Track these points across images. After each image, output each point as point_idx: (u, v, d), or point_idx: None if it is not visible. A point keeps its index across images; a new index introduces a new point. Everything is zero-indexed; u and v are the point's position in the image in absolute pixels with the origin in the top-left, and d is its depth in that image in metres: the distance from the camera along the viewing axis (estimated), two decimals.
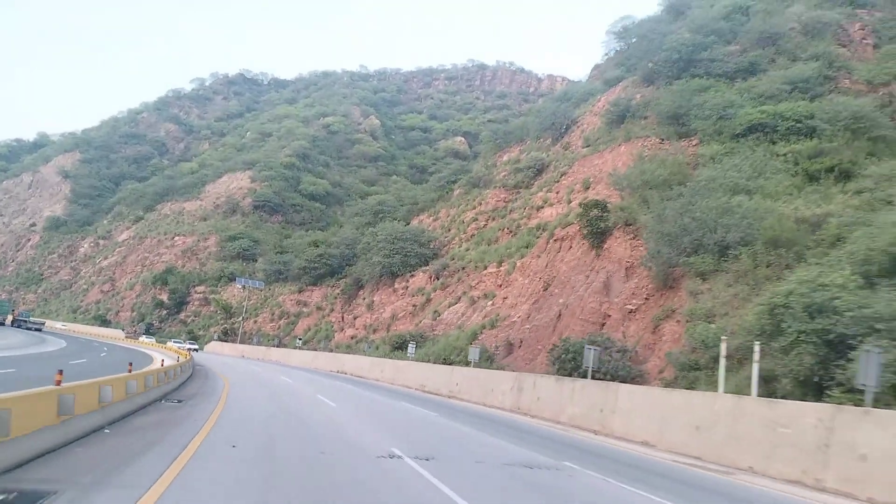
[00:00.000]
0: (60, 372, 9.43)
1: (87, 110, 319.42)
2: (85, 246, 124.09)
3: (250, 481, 7.97)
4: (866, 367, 12.38)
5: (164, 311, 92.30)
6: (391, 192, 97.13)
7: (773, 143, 40.54)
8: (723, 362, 17.04)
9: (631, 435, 17.46)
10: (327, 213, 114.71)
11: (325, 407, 19.28)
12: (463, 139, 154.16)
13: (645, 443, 16.78)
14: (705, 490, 11.07)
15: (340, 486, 8.38)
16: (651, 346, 26.67)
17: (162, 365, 20.81)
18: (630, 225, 33.08)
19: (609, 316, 30.31)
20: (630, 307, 28.90)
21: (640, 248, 31.25)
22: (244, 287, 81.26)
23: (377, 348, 49.25)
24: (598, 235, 34.65)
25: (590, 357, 23.40)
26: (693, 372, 21.20)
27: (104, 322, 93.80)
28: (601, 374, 24.53)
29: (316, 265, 76.89)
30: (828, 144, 38.01)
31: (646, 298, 28.59)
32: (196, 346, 61.34)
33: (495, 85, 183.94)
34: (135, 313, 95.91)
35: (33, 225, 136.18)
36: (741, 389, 16.74)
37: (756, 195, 31.60)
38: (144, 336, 72.02)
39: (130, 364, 15.48)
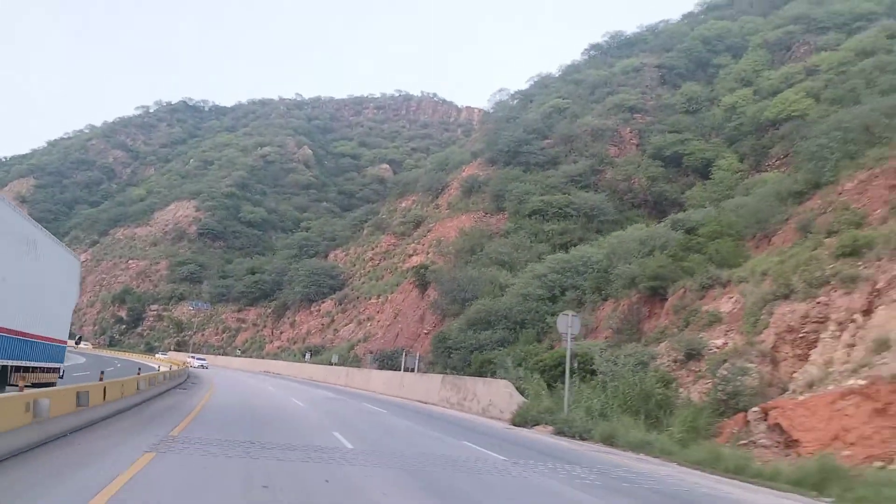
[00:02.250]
0: (102, 372, 32.51)
1: (35, 131, 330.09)
2: None
3: (237, 407, 31.19)
4: (414, 360, 36.55)
5: (124, 326, 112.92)
6: (314, 230, 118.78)
7: (546, 221, 65.61)
8: (410, 359, 41.13)
9: (396, 393, 41.36)
10: (263, 239, 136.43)
11: (269, 387, 42.49)
12: (388, 166, 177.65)
13: (398, 395, 40.60)
14: (402, 407, 34.73)
15: (275, 417, 31.61)
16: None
17: (170, 369, 43.59)
18: (437, 281, 57.36)
19: (419, 336, 54.51)
20: (426, 331, 53.12)
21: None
22: (194, 308, 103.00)
23: (294, 355, 72.56)
24: (422, 286, 58.88)
25: (403, 359, 47.32)
26: (433, 365, 45.36)
27: (70, 336, 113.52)
28: (408, 369, 48.45)
29: (252, 290, 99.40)
30: (572, 225, 63.35)
31: (434, 326, 52.80)
32: (205, 362, 63.33)
33: (419, 115, 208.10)
34: (97, 327, 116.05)
35: None
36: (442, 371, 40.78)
37: (506, 265, 56.11)
38: (160, 353, 79.56)
39: (146, 370, 38.41)
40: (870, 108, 36.13)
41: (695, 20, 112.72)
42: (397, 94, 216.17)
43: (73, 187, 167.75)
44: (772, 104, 70.39)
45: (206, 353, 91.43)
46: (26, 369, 15.02)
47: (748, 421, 18.96)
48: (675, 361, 25.59)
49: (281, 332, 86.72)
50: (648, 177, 70.86)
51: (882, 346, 18.37)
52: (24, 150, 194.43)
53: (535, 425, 21.41)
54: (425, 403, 31.90)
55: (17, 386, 10.86)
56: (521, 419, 21.93)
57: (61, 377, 19.67)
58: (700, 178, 69.12)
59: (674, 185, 69.33)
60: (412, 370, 42.50)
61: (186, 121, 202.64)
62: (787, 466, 15.45)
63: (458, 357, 37.51)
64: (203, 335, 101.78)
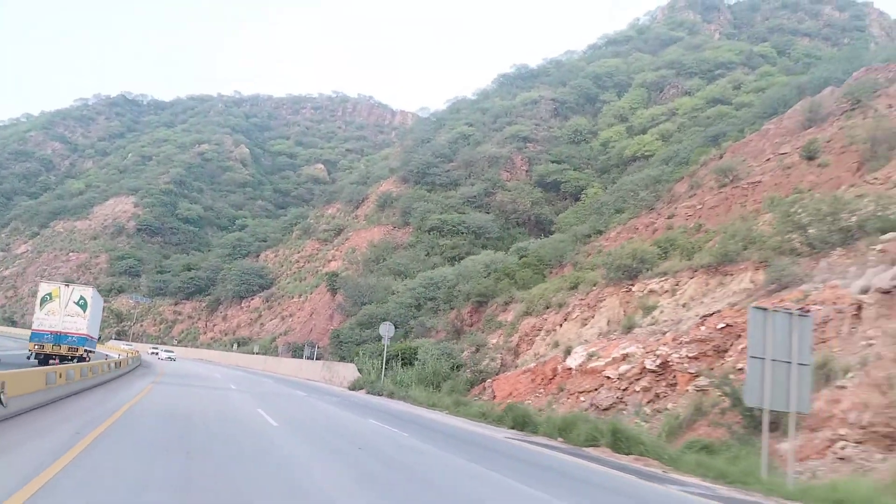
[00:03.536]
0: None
1: None
2: None
3: (176, 383, 44.29)
4: (313, 350, 50.44)
5: None
6: (248, 230, 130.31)
7: (442, 236, 79.98)
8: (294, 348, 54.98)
9: (295, 374, 54.95)
10: (200, 235, 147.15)
11: (202, 368, 55.43)
12: (323, 166, 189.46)
13: (296, 376, 54.18)
14: (294, 382, 48.30)
15: (207, 393, 44.82)
16: None
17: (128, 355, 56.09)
18: (343, 286, 71.07)
19: (328, 331, 68.15)
20: (333, 327, 66.82)
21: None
22: (133, 300, 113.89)
23: (225, 346, 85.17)
24: (333, 290, 72.53)
25: (305, 349, 60.82)
26: (332, 354, 59.18)
27: (13, 323, 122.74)
28: (309, 357, 62.00)
29: (188, 285, 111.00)
30: (462, 241, 77.85)
31: (339, 324, 66.51)
32: (173, 354, 65.10)
33: (355, 116, 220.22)
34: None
35: None
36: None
37: (401, 275, 70.13)
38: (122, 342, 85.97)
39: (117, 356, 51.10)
40: (637, 177, 51.57)
41: (597, 53, 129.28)
42: (334, 95, 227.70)
43: (12, 178, 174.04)
44: (632, 143, 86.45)
45: (144, 343, 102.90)
46: (89, 352, 28.74)
47: (484, 388, 33.62)
48: (471, 353, 40.10)
49: (214, 325, 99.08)
50: (532, 200, 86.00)
51: (554, 345, 33.11)
52: None
53: (360, 389, 35.75)
54: (311, 380, 45.92)
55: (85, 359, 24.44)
56: (354, 386, 36.27)
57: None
58: (574, 202, 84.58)
59: (550, 208, 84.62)
60: (311, 358, 56.28)
61: (125, 115, 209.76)
62: (492, 411, 29.85)
63: (346, 349, 51.37)
64: (142, 326, 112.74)
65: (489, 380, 33.53)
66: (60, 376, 15.86)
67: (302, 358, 58.15)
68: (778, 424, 17.46)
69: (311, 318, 74.54)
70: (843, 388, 17.31)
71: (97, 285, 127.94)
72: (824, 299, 20.93)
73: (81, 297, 28.19)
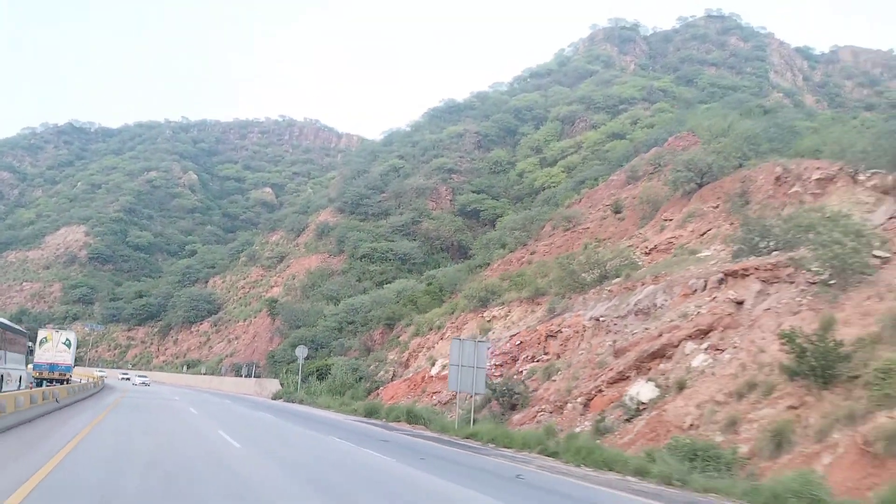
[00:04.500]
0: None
1: None
2: None
3: (135, 396, 53.91)
4: (251, 369, 60.64)
5: None
6: (198, 257, 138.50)
7: (372, 263, 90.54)
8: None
9: (234, 390, 64.83)
10: (150, 262, 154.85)
11: (154, 387, 64.85)
12: (270, 190, 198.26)
13: (235, 391, 64.11)
14: (232, 397, 58.24)
15: (156, 406, 54.53)
16: None
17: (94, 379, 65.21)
18: (281, 312, 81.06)
19: (267, 352, 78.08)
20: (272, 348, 76.78)
21: None
22: (88, 328, 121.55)
23: (176, 368, 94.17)
24: (272, 315, 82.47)
25: (243, 368, 70.68)
26: (268, 373, 69.26)
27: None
28: (247, 376, 71.83)
29: (140, 311, 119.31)
30: (389, 267, 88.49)
31: (277, 345, 76.43)
32: (147, 379, 68.54)
33: (302, 140, 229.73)
34: None
35: None
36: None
37: (332, 300, 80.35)
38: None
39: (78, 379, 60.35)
40: (516, 217, 63.16)
41: (522, 85, 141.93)
42: (281, 120, 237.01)
43: None
44: (541, 175, 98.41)
45: (103, 367, 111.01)
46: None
47: (378, 394, 44.36)
48: (374, 367, 50.76)
49: (166, 349, 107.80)
50: (454, 228, 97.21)
51: (430, 359, 43.97)
52: None
53: (279, 399, 46.31)
54: (245, 394, 56.26)
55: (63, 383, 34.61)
56: (275, 396, 46.80)
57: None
58: (492, 228, 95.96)
59: (471, 234, 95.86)
60: (249, 376, 66.33)
61: (73, 143, 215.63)
62: (383, 410, 40.43)
63: (279, 367, 61.55)
64: (97, 351, 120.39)
65: (381, 388, 44.31)
66: (52, 394, 26.03)
67: (241, 377, 68.16)
68: (516, 405, 28.75)
69: (254, 341, 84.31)
70: (553, 381, 28.69)
71: (51, 313, 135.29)
72: (571, 323, 32.35)
73: (67, 339, 38.82)
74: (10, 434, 15.57)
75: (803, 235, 22.26)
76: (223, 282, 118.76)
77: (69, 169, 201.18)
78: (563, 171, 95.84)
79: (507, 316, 40.37)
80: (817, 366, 16.20)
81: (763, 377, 18.20)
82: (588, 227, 47.62)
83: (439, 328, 47.24)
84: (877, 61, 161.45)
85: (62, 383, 37.17)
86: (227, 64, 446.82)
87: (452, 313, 48.41)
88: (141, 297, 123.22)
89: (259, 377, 66.19)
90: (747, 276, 24.17)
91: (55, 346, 38.53)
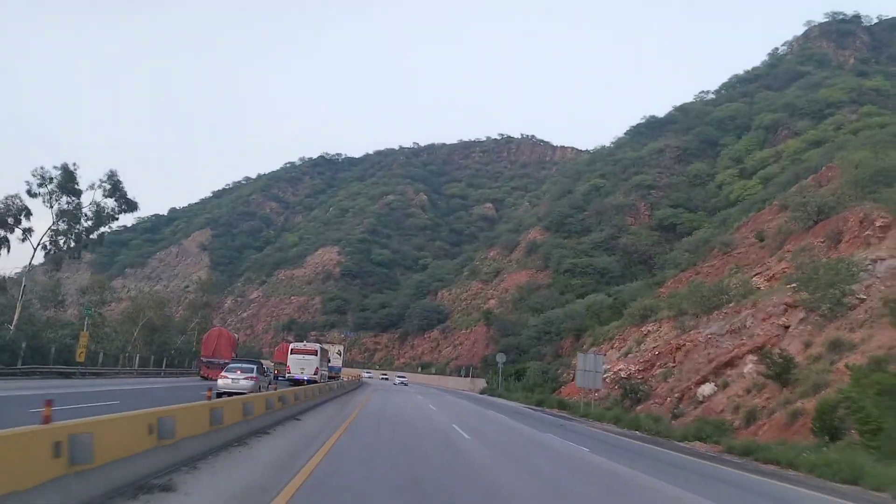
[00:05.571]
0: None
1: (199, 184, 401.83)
2: (228, 302, 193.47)
3: (381, 392, 71.50)
4: (468, 371, 75.35)
5: None
6: (428, 272, 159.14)
7: (574, 277, 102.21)
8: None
9: (455, 387, 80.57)
10: (390, 276, 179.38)
11: (395, 385, 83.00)
12: (491, 205, 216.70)
13: (456, 388, 79.73)
14: (451, 391, 73.99)
15: (392, 390, 71.81)
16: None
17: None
18: (495, 322, 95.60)
19: (483, 356, 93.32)
20: (487, 353, 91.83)
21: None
22: (343, 335, 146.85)
23: (414, 368, 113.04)
24: (488, 324, 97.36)
25: (462, 370, 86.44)
26: (483, 373, 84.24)
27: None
28: (466, 376, 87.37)
29: (384, 320, 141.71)
30: (589, 280, 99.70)
31: (491, 350, 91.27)
32: (405, 379, 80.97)
33: (519, 155, 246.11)
34: (272, 349, 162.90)
35: (187, 287, 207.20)
36: None
37: (535, 311, 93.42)
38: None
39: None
40: (691, 239, 71.32)
41: (728, 94, 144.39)
42: (499, 138, 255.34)
43: (241, 235, 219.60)
44: (737, 187, 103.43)
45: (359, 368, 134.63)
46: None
47: (560, 391, 56.67)
48: (560, 370, 62.71)
49: (405, 352, 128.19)
50: (651, 242, 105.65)
51: None
52: (194, 200, 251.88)
53: (484, 393, 60.43)
54: (461, 389, 71.46)
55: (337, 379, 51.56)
56: (483, 391, 60.86)
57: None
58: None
59: (667, 247, 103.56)
60: (467, 376, 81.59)
61: (325, 172, 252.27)
62: (547, 401, 53.00)
63: (490, 368, 75.96)
64: (350, 354, 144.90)
65: (563, 387, 56.49)
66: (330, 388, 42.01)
67: (458, 376, 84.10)
68: (640, 399, 39.75)
69: (474, 346, 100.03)
70: (667, 382, 39.20)
71: (314, 322, 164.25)
72: (692, 339, 42.36)
73: (339, 349, 56.41)
74: (339, 398, 30.89)
75: (830, 276, 31.00)
76: (449, 294, 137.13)
77: (322, 196, 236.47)
78: (759, 183, 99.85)
79: (658, 330, 50.53)
80: (780, 372, 26.07)
81: (762, 380, 28.06)
82: (741, 251, 55.75)
83: (611, 339, 58.22)
84: None
85: (336, 378, 53.91)
86: (450, 88, 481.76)
87: (621, 326, 59.12)
88: (384, 307, 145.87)
89: (476, 377, 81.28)
90: (797, 307, 33.15)
91: (333, 355, 55.51)
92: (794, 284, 33.65)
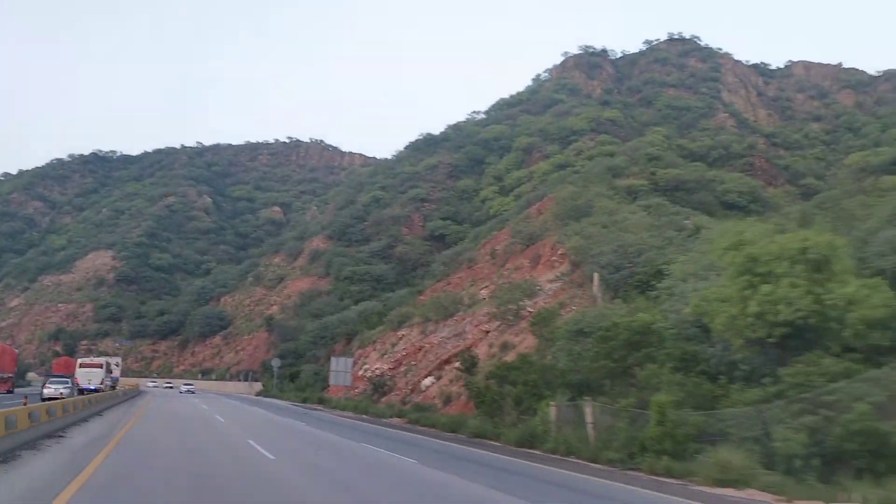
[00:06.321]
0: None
1: None
2: None
3: (160, 395, 74.82)
4: (248, 375, 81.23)
5: None
6: (211, 277, 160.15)
7: (353, 284, 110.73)
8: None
9: (234, 391, 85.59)
10: (170, 281, 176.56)
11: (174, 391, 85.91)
12: (279, 209, 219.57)
13: (235, 392, 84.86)
14: (231, 396, 78.99)
15: (174, 396, 75.36)
16: None
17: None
18: (276, 327, 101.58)
19: (261, 361, 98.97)
20: (266, 358, 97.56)
21: None
22: (117, 343, 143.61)
23: (193, 375, 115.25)
24: (270, 329, 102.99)
25: (242, 375, 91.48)
26: (262, 377, 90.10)
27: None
28: (246, 380, 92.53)
29: (162, 328, 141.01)
30: (366, 287, 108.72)
31: (271, 355, 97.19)
32: (192, 387, 78.55)
33: (308, 159, 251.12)
34: (36, 360, 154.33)
35: None
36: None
37: (317, 317, 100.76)
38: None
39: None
40: (448, 252, 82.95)
41: (496, 115, 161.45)
42: (288, 141, 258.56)
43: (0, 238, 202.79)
44: (495, 203, 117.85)
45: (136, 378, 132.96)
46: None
47: (328, 391, 64.69)
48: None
49: (184, 360, 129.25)
50: (423, 251, 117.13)
51: (363, 366, 64.06)
52: None
53: (260, 395, 66.96)
54: (240, 393, 77.07)
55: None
56: (258, 393, 67.39)
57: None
58: None
59: (434, 257, 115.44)
60: (247, 380, 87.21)
61: (97, 171, 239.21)
62: (311, 398, 60.75)
63: (269, 373, 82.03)
64: (126, 363, 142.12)
65: (330, 386, 64.46)
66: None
67: (240, 381, 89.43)
68: (386, 392, 48.83)
69: (255, 352, 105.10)
70: (406, 377, 48.80)
71: (85, 331, 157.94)
72: (430, 341, 52.20)
73: (118, 361, 59.81)
74: (123, 403, 36.23)
75: (516, 293, 41.86)
76: (232, 300, 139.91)
77: (95, 196, 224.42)
78: (514, 200, 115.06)
79: (409, 334, 60.33)
80: (468, 367, 36.01)
81: (459, 373, 37.98)
82: (479, 266, 67.41)
83: (374, 342, 67.29)
84: (827, 74, 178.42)
85: (114, 388, 57.64)
86: (235, 85, 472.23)
87: (385, 331, 68.45)
88: (162, 314, 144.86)
89: (255, 381, 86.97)
90: (495, 317, 43.96)
91: (113, 367, 59.20)
92: (495, 298, 44.46)
